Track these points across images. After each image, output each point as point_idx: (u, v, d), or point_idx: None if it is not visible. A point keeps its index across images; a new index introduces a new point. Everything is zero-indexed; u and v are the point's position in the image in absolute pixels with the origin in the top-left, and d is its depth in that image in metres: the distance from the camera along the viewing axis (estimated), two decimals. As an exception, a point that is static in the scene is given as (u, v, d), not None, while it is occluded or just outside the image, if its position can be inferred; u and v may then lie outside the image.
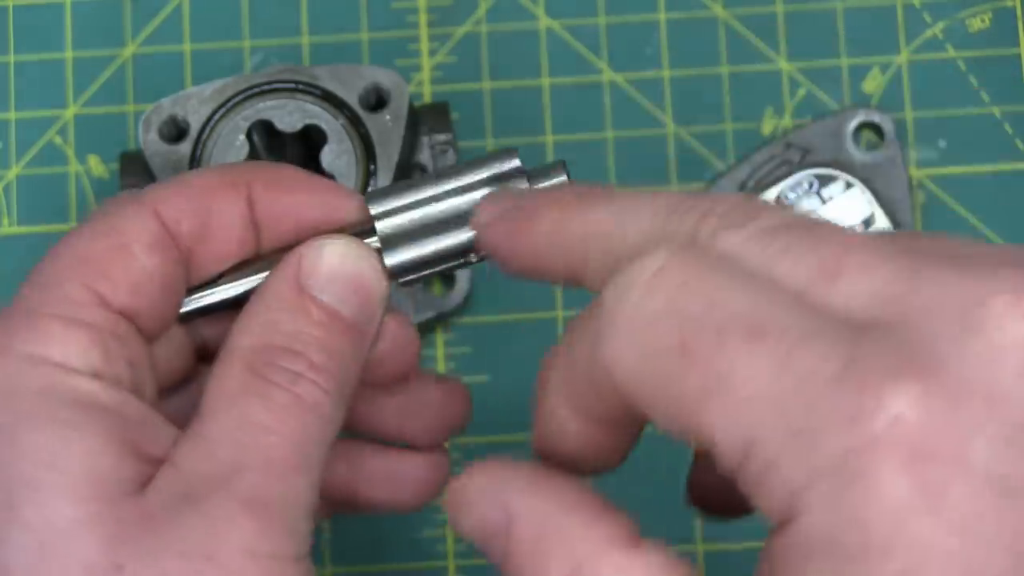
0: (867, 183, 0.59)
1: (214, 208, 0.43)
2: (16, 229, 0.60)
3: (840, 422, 0.31)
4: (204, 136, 0.54)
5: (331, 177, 0.54)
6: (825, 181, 0.58)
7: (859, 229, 0.58)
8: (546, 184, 0.42)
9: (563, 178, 0.42)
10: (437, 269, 0.44)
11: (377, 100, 0.54)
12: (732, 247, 0.35)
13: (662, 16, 0.61)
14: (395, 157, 0.54)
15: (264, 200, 0.44)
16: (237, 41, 0.61)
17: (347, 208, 0.44)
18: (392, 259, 0.43)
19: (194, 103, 0.54)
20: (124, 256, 0.42)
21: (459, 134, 0.59)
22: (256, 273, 0.43)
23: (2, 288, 0.59)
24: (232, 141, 0.54)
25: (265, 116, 0.54)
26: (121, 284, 0.41)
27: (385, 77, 0.54)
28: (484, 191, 0.43)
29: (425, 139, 0.56)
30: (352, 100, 0.54)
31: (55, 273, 0.42)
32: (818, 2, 0.61)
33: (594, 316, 0.36)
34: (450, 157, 0.56)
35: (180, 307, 0.44)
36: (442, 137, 0.56)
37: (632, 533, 0.36)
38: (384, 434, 0.48)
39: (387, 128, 0.54)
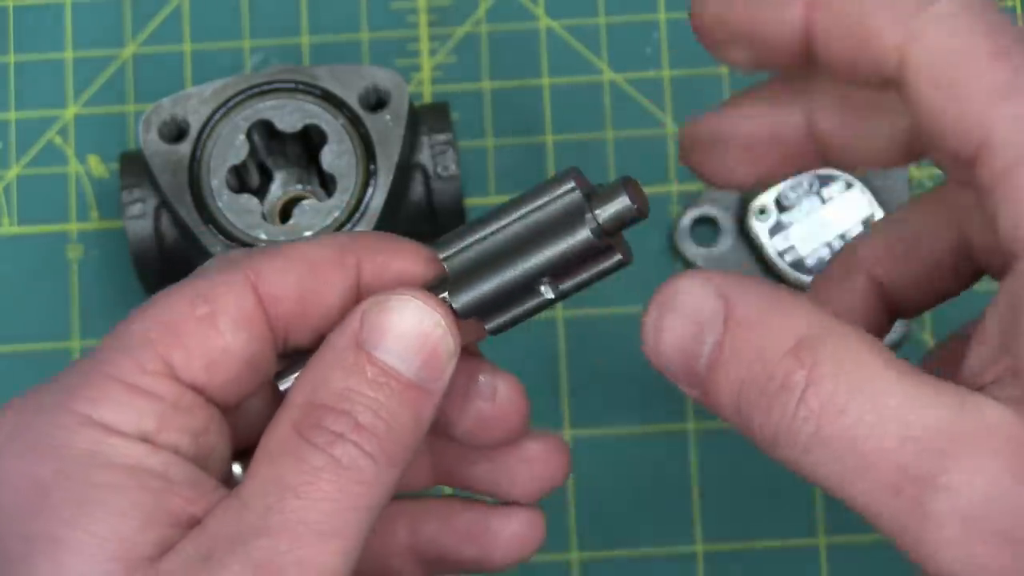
0: (867, 183, 0.59)
1: (319, 286, 0.41)
2: (16, 229, 0.60)
3: None
4: (204, 136, 0.54)
5: (331, 177, 0.54)
6: (825, 181, 0.58)
7: (859, 229, 0.58)
8: (610, 212, 0.40)
9: (626, 202, 0.39)
10: (516, 312, 0.41)
11: (377, 100, 0.54)
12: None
13: (662, 16, 0.61)
14: (395, 157, 0.54)
15: (370, 272, 0.41)
16: (237, 41, 0.61)
17: (426, 265, 0.42)
18: (460, 301, 0.40)
19: (194, 103, 0.54)
20: (207, 329, 0.41)
21: (459, 134, 0.59)
22: None
23: (2, 288, 0.59)
24: (232, 141, 0.54)
25: (265, 116, 0.54)
26: (197, 358, 0.40)
27: (385, 77, 0.54)
28: (538, 215, 0.40)
29: (425, 139, 0.56)
30: (352, 100, 0.54)
31: (135, 334, 0.41)
32: (818, 2, 0.61)
33: None
34: (450, 157, 0.56)
35: (265, 379, 0.42)
36: (442, 137, 0.56)
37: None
38: (476, 490, 0.46)
39: (387, 128, 0.54)
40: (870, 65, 0.37)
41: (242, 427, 0.43)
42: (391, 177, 0.54)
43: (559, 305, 0.59)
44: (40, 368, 0.58)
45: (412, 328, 0.40)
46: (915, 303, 0.44)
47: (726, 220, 0.59)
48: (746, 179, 0.42)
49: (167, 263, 0.55)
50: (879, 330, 0.44)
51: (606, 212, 0.39)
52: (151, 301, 0.42)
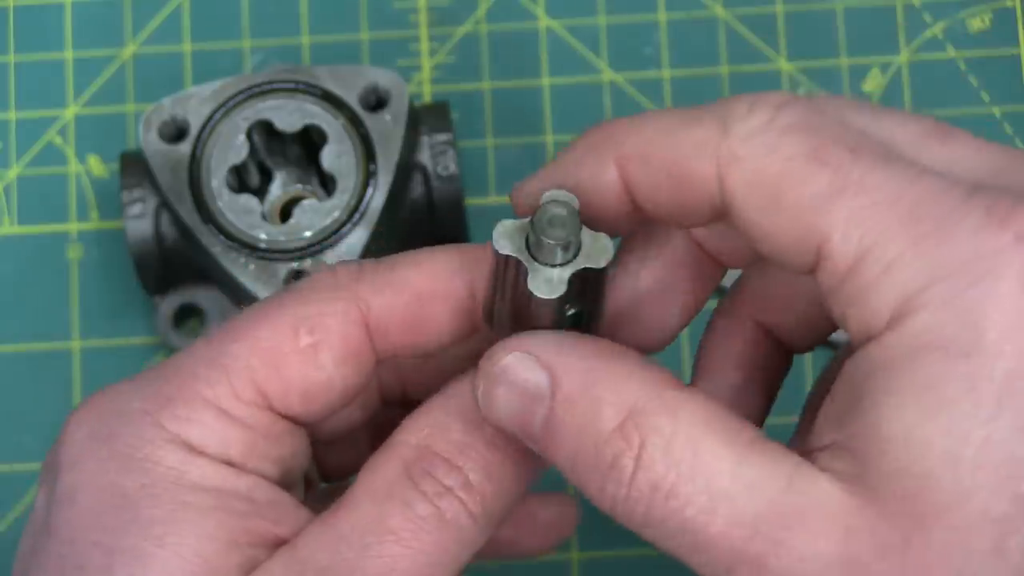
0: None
1: (432, 313, 0.41)
2: (16, 229, 0.60)
3: (968, 231, 0.33)
4: (204, 136, 0.54)
5: (331, 177, 0.54)
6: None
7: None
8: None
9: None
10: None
11: (377, 100, 0.54)
12: (833, 108, 0.37)
13: (662, 16, 0.61)
14: (395, 157, 0.54)
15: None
16: (237, 41, 0.61)
17: None
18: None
19: (194, 103, 0.54)
20: (309, 362, 0.40)
21: (459, 134, 0.59)
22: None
23: (2, 288, 0.59)
24: (232, 141, 0.54)
25: (265, 116, 0.54)
26: (295, 391, 0.40)
27: (385, 77, 0.54)
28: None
29: (425, 139, 0.56)
30: (352, 100, 0.54)
31: (233, 356, 0.40)
32: (818, 2, 0.61)
33: (705, 118, 0.36)
34: (450, 157, 0.56)
35: (362, 407, 0.42)
36: (442, 137, 0.56)
37: (676, 379, 0.37)
38: (494, 551, 0.46)
39: (387, 128, 0.54)
40: (696, 204, 0.37)
41: (325, 435, 0.43)
42: (391, 177, 0.54)
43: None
44: (40, 368, 0.58)
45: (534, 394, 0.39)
46: (808, 340, 0.43)
47: (726, 220, 0.59)
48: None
49: (167, 263, 0.56)
50: (778, 369, 0.44)
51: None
52: (251, 317, 0.40)
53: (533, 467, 0.41)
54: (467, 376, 0.40)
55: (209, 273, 0.55)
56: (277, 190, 0.56)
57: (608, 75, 0.60)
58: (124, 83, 0.60)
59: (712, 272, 0.41)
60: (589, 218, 0.38)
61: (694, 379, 0.44)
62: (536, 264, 0.37)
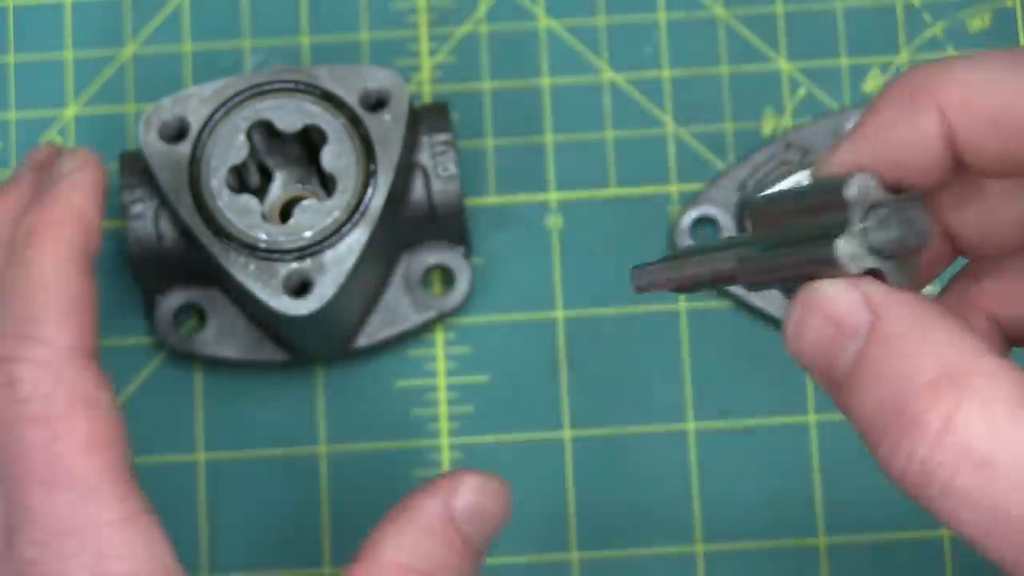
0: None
1: None
2: (16, 229, 0.60)
3: None
4: (204, 136, 0.54)
5: (331, 177, 0.54)
6: (825, 181, 0.58)
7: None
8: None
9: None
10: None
11: (377, 100, 0.54)
12: None
13: (662, 16, 0.61)
14: (395, 158, 0.54)
15: None
16: (237, 41, 0.61)
17: None
18: None
19: (194, 103, 0.54)
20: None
21: (459, 134, 0.59)
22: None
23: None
24: (232, 141, 0.54)
25: (265, 116, 0.54)
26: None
27: (385, 77, 0.54)
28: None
29: (425, 139, 0.56)
30: (352, 100, 0.54)
31: None
32: (818, 2, 0.61)
33: None
34: (450, 157, 0.56)
35: None
36: (442, 137, 0.56)
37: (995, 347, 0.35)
38: None
39: (387, 128, 0.54)
40: None
41: None
42: (391, 177, 0.54)
43: (559, 305, 0.59)
44: (40, 368, 0.58)
45: (490, 508, 0.46)
46: None
47: (726, 220, 0.59)
48: None
49: (167, 263, 0.56)
50: None
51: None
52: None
53: (480, 561, 0.45)
54: (427, 494, 0.45)
55: (209, 273, 0.55)
56: (277, 190, 0.56)
57: (608, 75, 0.60)
58: (124, 83, 0.60)
59: (944, 257, 0.40)
60: (902, 178, 0.36)
61: None
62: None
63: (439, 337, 0.59)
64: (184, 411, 0.58)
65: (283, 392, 0.58)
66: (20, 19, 0.61)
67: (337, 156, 0.54)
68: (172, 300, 0.57)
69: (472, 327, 0.59)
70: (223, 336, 0.57)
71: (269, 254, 0.53)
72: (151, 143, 0.54)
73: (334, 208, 0.54)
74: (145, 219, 0.55)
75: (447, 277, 0.59)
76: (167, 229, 0.55)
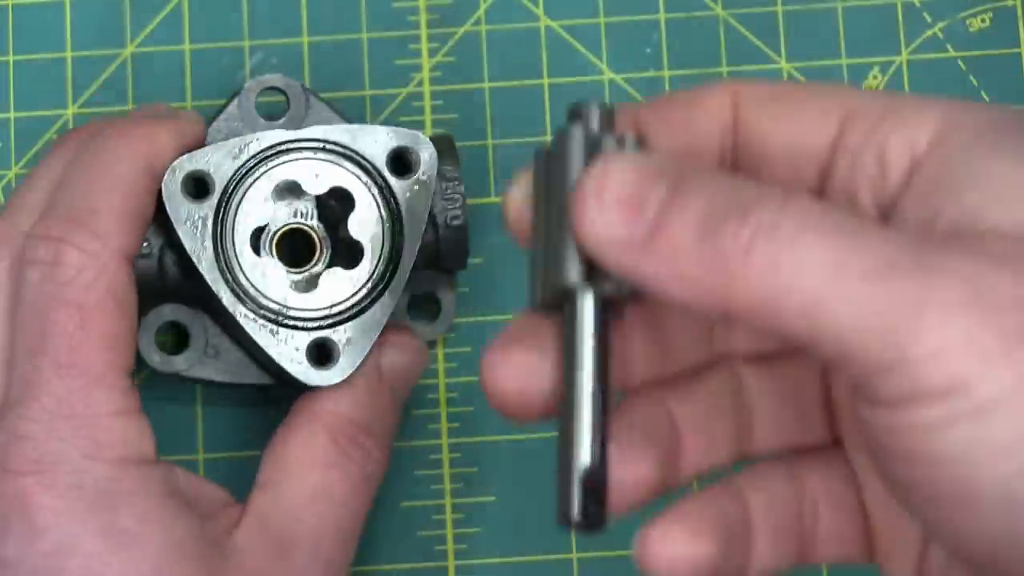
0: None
1: None
2: (16, 229, 0.60)
3: None
4: (230, 192, 0.52)
5: (357, 244, 0.53)
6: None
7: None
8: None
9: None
10: None
11: (404, 165, 0.53)
12: None
13: (662, 16, 0.61)
14: (422, 226, 0.53)
15: None
16: (237, 41, 0.61)
17: None
18: None
19: (217, 158, 0.52)
20: None
21: (459, 134, 0.59)
22: None
23: (3, 290, 0.59)
24: (258, 202, 0.52)
25: (290, 177, 0.53)
26: None
27: (412, 140, 0.53)
28: None
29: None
30: (380, 163, 0.53)
31: None
32: (818, 2, 0.61)
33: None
34: (459, 205, 0.53)
35: None
36: (449, 172, 0.54)
37: None
38: None
39: (415, 194, 0.52)
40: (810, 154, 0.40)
41: None
42: (417, 246, 0.52)
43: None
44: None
45: (410, 367, 0.53)
46: None
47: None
48: None
49: (163, 295, 0.54)
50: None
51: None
52: None
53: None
54: (370, 367, 0.52)
55: (230, 331, 0.54)
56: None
57: (608, 75, 0.60)
58: (124, 83, 0.60)
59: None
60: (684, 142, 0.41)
61: None
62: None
63: (439, 337, 0.59)
64: (184, 411, 0.58)
65: (282, 392, 0.58)
66: (20, 19, 0.61)
67: (363, 223, 0.53)
68: (153, 319, 0.55)
69: (472, 327, 0.59)
70: (206, 358, 0.55)
71: (295, 321, 0.52)
72: (175, 196, 0.52)
73: (360, 277, 0.52)
74: (150, 259, 0.53)
75: (433, 304, 0.58)
76: (170, 268, 0.53)
